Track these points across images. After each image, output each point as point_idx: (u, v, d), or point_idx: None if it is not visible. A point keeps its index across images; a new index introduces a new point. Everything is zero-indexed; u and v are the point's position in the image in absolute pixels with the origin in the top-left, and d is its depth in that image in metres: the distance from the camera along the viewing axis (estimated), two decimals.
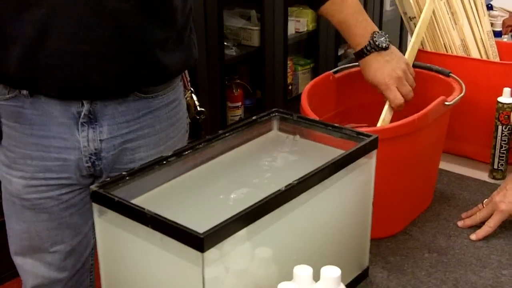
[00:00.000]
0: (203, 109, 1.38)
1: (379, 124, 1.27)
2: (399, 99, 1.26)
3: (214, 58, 2.80)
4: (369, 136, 1.04)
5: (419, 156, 1.25)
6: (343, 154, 0.98)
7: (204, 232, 0.77)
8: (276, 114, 1.15)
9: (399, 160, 1.19)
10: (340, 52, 3.66)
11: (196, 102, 1.37)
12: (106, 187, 0.89)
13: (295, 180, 0.89)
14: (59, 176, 1.16)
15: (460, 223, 1.32)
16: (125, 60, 1.11)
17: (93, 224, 1.23)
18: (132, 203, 0.84)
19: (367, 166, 1.05)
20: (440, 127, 1.30)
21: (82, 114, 1.13)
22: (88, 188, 1.18)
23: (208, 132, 3.00)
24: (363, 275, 1.14)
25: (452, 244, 1.26)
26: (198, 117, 1.38)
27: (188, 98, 1.34)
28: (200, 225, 0.80)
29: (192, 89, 1.37)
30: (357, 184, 1.05)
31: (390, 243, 1.27)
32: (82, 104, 1.13)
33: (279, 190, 0.87)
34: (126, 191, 0.91)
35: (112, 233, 0.90)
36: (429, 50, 1.52)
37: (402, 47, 4.01)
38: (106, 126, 1.16)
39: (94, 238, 1.26)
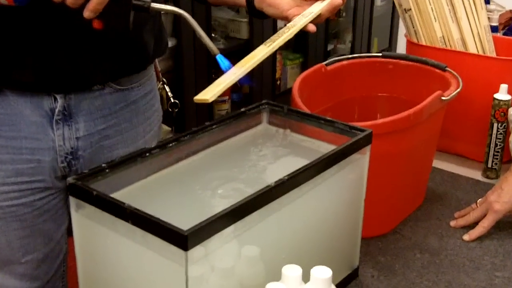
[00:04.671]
0: (177, 101, 1.32)
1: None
2: None
3: (201, 51, 2.74)
4: (363, 130, 0.99)
5: (413, 153, 1.20)
6: (336, 150, 0.93)
7: (188, 229, 0.72)
8: (266, 106, 1.10)
9: (392, 156, 1.15)
10: (330, 47, 3.61)
11: (169, 94, 1.32)
12: (84, 180, 0.84)
13: (285, 176, 0.84)
14: (32, 179, 1.09)
15: (452, 223, 1.28)
16: (109, 39, 1.05)
17: (65, 229, 1.18)
18: (111, 197, 0.79)
19: (360, 162, 1.01)
20: (435, 123, 1.26)
21: (56, 110, 1.06)
22: (62, 192, 1.13)
23: (194, 127, 2.94)
24: (353, 275, 1.10)
25: (445, 244, 1.22)
26: (171, 110, 1.32)
27: (160, 90, 1.29)
28: (184, 221, 0.75)
29: (164, 79, 1.32)
30: (349, 181, 1.01)
31: (380, 242, 1.22)
32: (55, 100, 1.06)
33: (268, 186, 0.82)
34: (106, 184, 0.86)
35: (90, 229, 0.85)
36: (424, 43, 1.48)
37: (392, 42, 3.98)
38: (82, 123, 1.09)
39: (66, 243, 1.20)
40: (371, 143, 1.00)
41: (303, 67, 3.42)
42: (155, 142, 1.25)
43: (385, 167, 1.14)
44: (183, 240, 0.71)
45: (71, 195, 0.84)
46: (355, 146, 0.97)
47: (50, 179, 1.11)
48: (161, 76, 1.31)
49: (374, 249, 1.20)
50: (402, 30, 3.91)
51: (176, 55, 2.63)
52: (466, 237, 1.23)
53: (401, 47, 4.01)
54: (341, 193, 0.99)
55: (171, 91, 1.35)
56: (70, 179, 0.83)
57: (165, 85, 1.33)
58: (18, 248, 1.13)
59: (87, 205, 0.82)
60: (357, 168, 1.01)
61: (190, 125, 2.73)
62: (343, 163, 0.95)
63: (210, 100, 0.87)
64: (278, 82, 3.34)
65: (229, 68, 0.92)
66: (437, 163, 1.49)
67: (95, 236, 0.85)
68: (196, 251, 0.73)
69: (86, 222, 0.85)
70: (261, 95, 3.16)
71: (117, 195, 0.86)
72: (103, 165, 0.87)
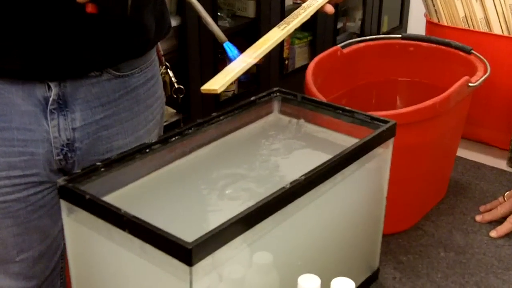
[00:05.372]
0: (181, 87, 1.23)
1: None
2: None
3: (207, 30, 2.64)
4: (386, 122, 0.90)
5: (437, 144, 1.11)
6: (357, 144, 0.84)
7: (193, 242, 0.63)
8: (278, 94, 1.01)
9: (415, 148, 1.06)
10: (339, 25, 3.50)
11: (173, 79, 1.22)
12: (76, 181, 0.75)
13: (302, 176, 0.75)
14: (26, 173, 1.01)
15: (478, 218, 1.19)
16: (105, 22, 0.96)
17: (62, 225, 1.10)
18: (106, 202, 0.70)
19: (383, 156, 0.91)
20: (461, 112, 1.16)
21: (50, 99, 0.98)
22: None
23: (200, 109, 2.85)
24: (373, 278, 1.01)
25: (471, 241, 1.13)
26: (175, 96, 1.23)
27: (163, 75, 1.19)
28: (188, 229, 0.67)
29: (167, 64, 1.22)
30: (370, 178, 0.92)
31: (401, 239, 1.13)
32: (49, 88, 0.97)
33: (282, 188, 0.73)
34: (101, 184, 0.77)
35: (83, 235, 0.76)
36: (445, 24, 1.38)
37: (402, 20, 3.87)
38: (79, 112, 1.01)
39: (64, 240, 1.12)
40: (395, 135, 0.91)
41: (312, 46, 3.31)
42: (157, 131, 1.16)
43: (407, 159, 1.05)
44: (187, 254, 0.63)
45: (61, 199, 0.75)
46: (378, 140, 0.88)
47: (45, 173, 1.03)
48: (163, 60, 1.22)
49: (395, 247, 1.11)
50: (413, 8, 3.79)
51: (181, 34, 2.53)
52: (493, 233, 1.14)
53: (411, 26, 3.90)
54: (361, 191, 0.90)
55: (175, 72, 1.26)
56: (60, 181, 0.74)
57: (168, 70, 1.23)
58: (12, 246, 1.06)
59: (79, 210, 0.73)
60: (379, 163, 0.92)
61: (195, 108, 2.64)
62: (365, 158, 0.86)
63: (219, 91, 0.78)
64: (286, 62, 3.24)
65: (238, 56, 0.83)
66: (459, 151, 1.39)
67: (90, 244, 0.76)
68: (202, 265, 0.64)
69: (79, 227, 0.76)
70: (268, 75, 3.07)
71: (114, 197, 0.77)
72: (97, 163, 0.78)
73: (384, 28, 3.82)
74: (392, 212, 1.01)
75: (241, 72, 0.80)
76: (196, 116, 2.58)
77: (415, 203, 1.16)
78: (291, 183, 0.74)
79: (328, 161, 0.79)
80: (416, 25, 3.76)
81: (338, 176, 0.82)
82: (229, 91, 2.90)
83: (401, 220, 1.15)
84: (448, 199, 1.25)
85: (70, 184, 0.74)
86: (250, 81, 3.04)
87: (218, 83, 0.78)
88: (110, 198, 0.76)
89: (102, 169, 0.78)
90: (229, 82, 0.79)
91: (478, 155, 1.42)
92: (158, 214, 0.75)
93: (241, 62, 0.81)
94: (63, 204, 0.75)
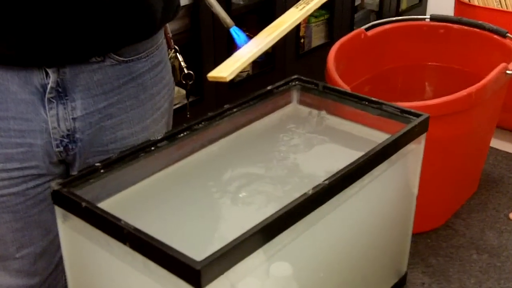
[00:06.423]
0: (191, 72, 1.14)
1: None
2: None
3: (222, 8, 2.54)
4: (418, 115, 0.81)
5: (471, 136, 1.02)
6: (388, 141, 0.75)
7: (202, 261, 0.54)
8: (297, 83, 0.92)
9: (447, 141, 0.97)
10: (357, 2, 3.39)
11: (182, 64, 1.13)
12: (72, 185, 0.67)
13: (326, 180, 0.66)
14: (24, 165, 0.94)
15: None
16: (106, 2, 0.88)
17: None
18: (104, 211, 0.62)
19: (414, 153, 0.82)
20: (497, 101, 1.07)
21: (49, 87, 0.90)
22: (59, 178, 0.97)
23: (213, 91, 2.75)
24: (400, 284, 0.93)
25: (505, 242, 1.05)
26: (185, 82, 1.14)
27: (172, 59, 1.11)
28: (197, 242, 0.59)
29: (176, 47, 1.13)
30: (400, 177, 0.83)
31: (430, 239, 1.05)
32: (47, 75, 0.90)
33: (305, 194, 0.64)
34: (100, 188, 0.69)
35: (80, 244, 0.68)
36: (476, 4, 1.28)
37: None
38: (79, 100, 0.93)
39: None
40: (427, 130, 0.81)
41: (329, 24, 3.21)
42: (165, 120, 1.08)
43: (438, 153, 0.96)
44: (195, 275, 0.54)
45: (55, 204, 0.67)
46: (410, 135, 0.79)
47: (45, 165, 0.95)
48: (172, 43, 1.13)
49: (423, 248, 1.03)
50: None
51: (193, 13, 2.44)
52: None
53: (431, 3, 3.77)
54: (390, 192, 0.82)
55: (187, 53, 1.18)
56: (54, 185, 0.66)
57: (177, 54, 1.15)
58: (11, 242, 0.99)
59: (75, 218, 0.65)
60: (410, 161, 0.83)
61: (208, 90, 2.55)
62: (395, 156, 0.77)
63: (228, 79, 0.70)
64: (302, 41, 3.14)
65: (245, 43, 0.74)
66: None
67: (87, 254, 0.68)
68: (213, 287, 0.56)
69: (75, 236, 0.68)
70: (284, 55, 2.97)
71: (114, 201, 0.70)
72: (96, 164, 0.70)
73: (403, 5, 3.70)
74: (420, 209, 0.92)
75: (252, 58, 0.72)
76: (209, 98, 2.49)
77: (445, 199, 1.08)
78: (313, 188, 0.65)
79: (354, 161, 0.70)
80: (437, 2, 3.63)
81: (366, 178, 0.73)
82: (243, 72, 2.81)
83: (430, 218, 1.06)
84: (480, 194, 1.17)
85: (64, 189, 0.66)
86: (266, 61, 2.95)
87: (227, 70, 0.70)
88: (110, 203, 0.69)
89: (102, 171, 0.70)
90: (239, 69, 0.70)
91: (510, 145, 1.32)
92: (163, 222, 0.67)
93: (253, 47, 0.72)
94: (58, 210, 0.67)
